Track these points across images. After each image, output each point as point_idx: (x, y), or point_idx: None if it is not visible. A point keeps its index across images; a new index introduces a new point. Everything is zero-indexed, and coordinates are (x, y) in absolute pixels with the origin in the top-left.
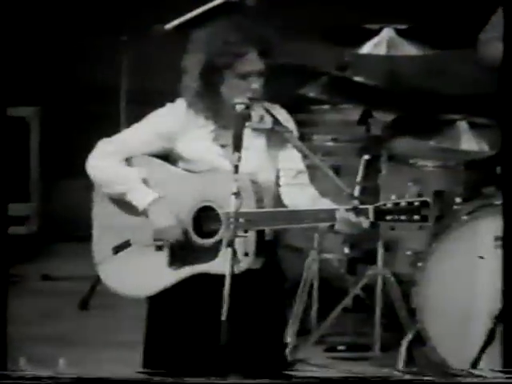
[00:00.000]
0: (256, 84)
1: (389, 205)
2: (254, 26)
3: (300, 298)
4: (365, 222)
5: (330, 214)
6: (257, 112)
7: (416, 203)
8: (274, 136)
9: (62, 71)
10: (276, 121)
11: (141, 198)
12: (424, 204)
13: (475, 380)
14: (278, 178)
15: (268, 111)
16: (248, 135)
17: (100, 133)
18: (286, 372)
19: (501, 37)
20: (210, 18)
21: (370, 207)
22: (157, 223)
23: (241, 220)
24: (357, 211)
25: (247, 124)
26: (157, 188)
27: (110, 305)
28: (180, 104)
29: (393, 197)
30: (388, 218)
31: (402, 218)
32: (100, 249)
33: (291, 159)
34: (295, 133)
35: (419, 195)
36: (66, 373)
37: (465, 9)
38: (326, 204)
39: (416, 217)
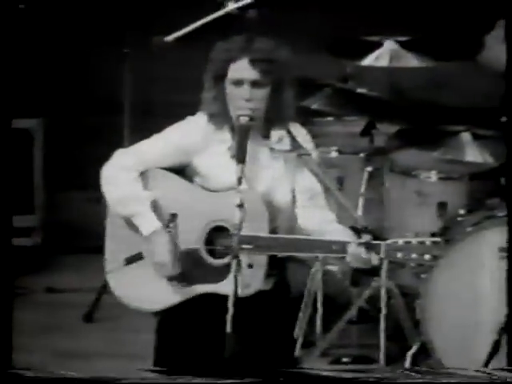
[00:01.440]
0: (247, 93)
1: (400, 242)
2: (253, 36)
3: (304, 310)
4: (375, 259)
5: (341, 247)
6: (277, 132)
7: (428, 242)
8: (292, 157)
9: (65, 83)
10: (295, 142)
11: (143, 225)
12: (436, 243)
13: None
14: (294, 198)
15: (288, 132)
16: (266, 155)
17: (104, 144)
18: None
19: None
20: (211, 30)
21: (382, 243)
22: (155, 256)
23: (252, 245)
24: (368, 246)
25: (265, 143)
26: (170, 205)
27: (115, 317)
28: (200, 117)
29: (407, 234)
30: (399, 255)
31: (413, 256)
32: (112, 258)
33: (308, 181)
34: (314, 153)
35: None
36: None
37: (467, 21)
38: (339, 230)
39: (427, 256)
